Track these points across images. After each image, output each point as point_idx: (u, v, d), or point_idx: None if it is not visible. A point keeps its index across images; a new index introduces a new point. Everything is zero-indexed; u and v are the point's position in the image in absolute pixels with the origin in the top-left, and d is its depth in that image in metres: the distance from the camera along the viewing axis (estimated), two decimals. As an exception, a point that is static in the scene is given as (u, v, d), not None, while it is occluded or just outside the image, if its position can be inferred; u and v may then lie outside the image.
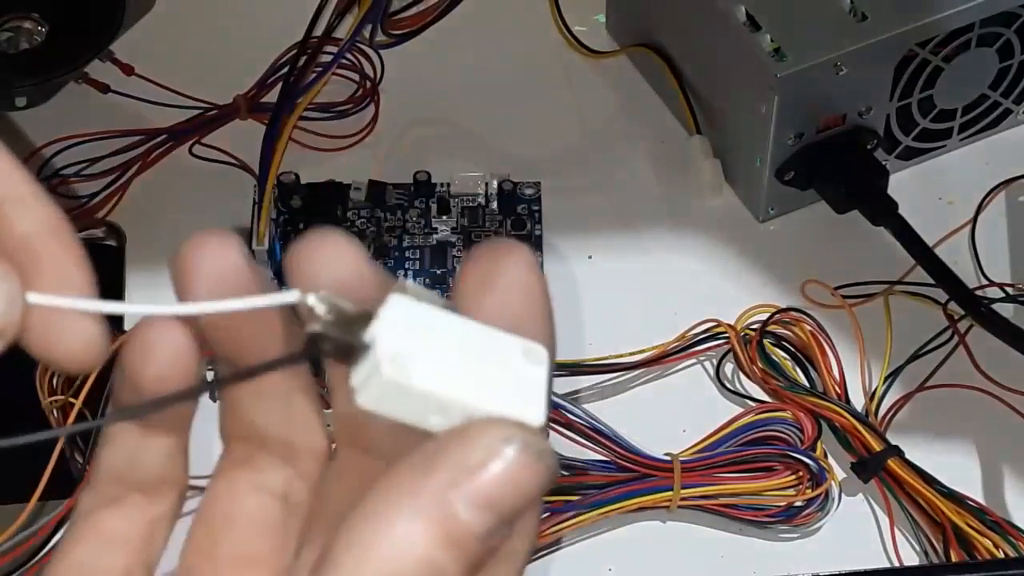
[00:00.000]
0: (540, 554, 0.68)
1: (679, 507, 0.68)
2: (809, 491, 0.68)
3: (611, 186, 0.82)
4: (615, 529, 0.69)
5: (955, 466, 0.71)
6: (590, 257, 0.79)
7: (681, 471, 0.68)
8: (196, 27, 0.89)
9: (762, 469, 0.68)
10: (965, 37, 0.78)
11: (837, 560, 0.67)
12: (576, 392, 0.73)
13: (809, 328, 0.73)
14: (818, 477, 0.68)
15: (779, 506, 0.68)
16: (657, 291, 0.77)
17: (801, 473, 0.68)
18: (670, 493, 0.67)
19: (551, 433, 0.70)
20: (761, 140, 0.77)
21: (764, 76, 0.75)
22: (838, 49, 0.75)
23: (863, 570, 0.65)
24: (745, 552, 0.69)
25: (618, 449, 0.68)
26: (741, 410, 0.71)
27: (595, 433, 0.68)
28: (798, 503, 0.68)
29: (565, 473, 0.69)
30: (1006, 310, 0.75)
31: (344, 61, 0.82)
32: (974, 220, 0.79)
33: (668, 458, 0.68)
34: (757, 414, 0.70)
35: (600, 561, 0.68)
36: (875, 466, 0.69)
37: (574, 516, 0.67)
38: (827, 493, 0.68)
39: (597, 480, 0.68)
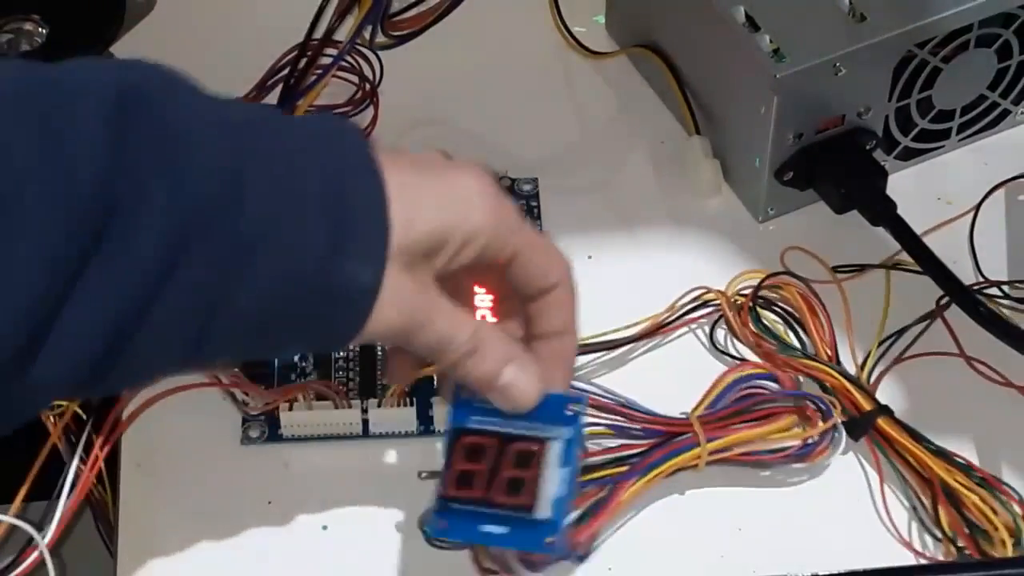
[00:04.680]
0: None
1: (706, 463, 0.69)
2: (821, 423, 0.69)
3: (611, 186, 0.82)
4: (614, 529, 0.69)
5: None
6: (589, 257, 0.79)
7: (702, 425, 0.69)
8: (196, 29, 0.89)
9: (763, 417, 0.70)
10: (964, 38, 0.78)
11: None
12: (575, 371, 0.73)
13: (799, 292, 0.74)
14: (825, 413, 0.69)
15: (795, 445, 0.69)
16: (656, 291, 0.77)
17: (809, 412, 0.70)
18: (698, 450, 0.68)
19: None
20: (760, 140, 0.77)
21: (764, 76, 0.75)
22: (837, 50, 0.75)
23: (863, 570, 0.65)
24: (744, 550, 0.69)
25: (644, 416, 0.69)
26: (725, 368, 0.72)
27: (622, 407, 0.69)
28: (813, 438, 0.69)
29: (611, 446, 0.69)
30: (1005, 309, 0.75)
31: (343, 63, 0.82)
32: (973, 220, 0.80)
33: (685, 416, 0.69)
34: (741, 371, 0.71)
35: (600, 561, 0.69)
36: (865, 425, 0.70)
37: (634, 482, 0.67)
38: (836, 426, 0.69)
39: (635, 449, 0.69)
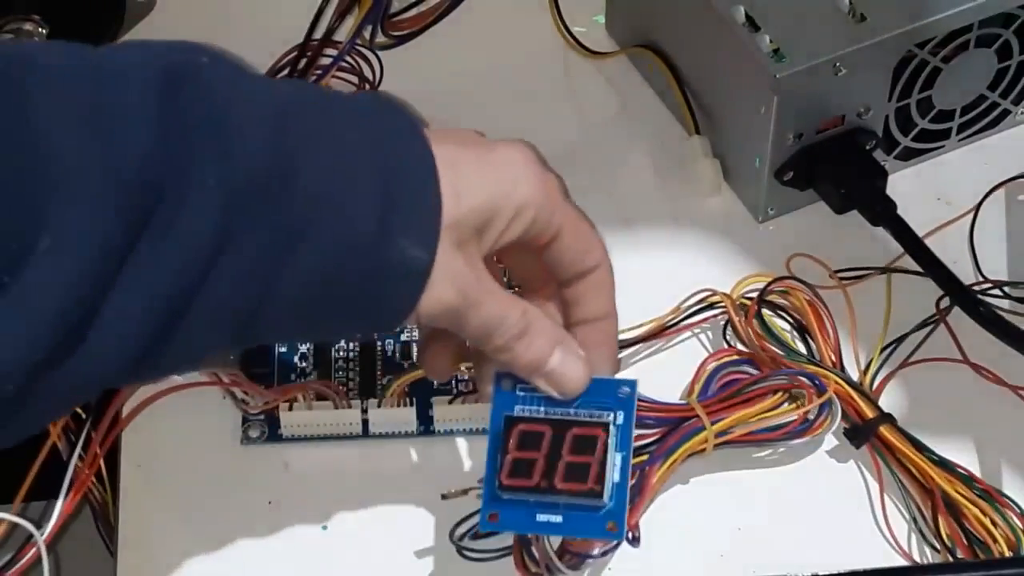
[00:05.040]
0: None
1: (714, 447, 0.69)
2: (816, 398, 0.70)
3: (611, 186, 0.82)
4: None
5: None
6: (590, 257, 0.79)
7: (704, 409, 0.69)
8: (196, 29, 0.89)
9: (755, 397, 0.70)
10: (964, 38, 0.78)
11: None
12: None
13: (806, 297, 0.74)
14: (819, 387, 0.70)
15: (795, 420, 0.70)
16: (656, 290, 0.77)
17: (802, 387, 0.70)
18: (705, 432, 0.69)
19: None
20: (760, 140, 0.77)
21: (764, 77, 0.75)
22: (837, 50, 0.75)
23: (863, 570, 0.65)
24: (744, 550, 0.69)
25: (649, 404, 0.69)
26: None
27: None
28: (812, 413, 0.70)
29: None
30: (1004, 309, 0.75)
31: (344, 64, 0.82)
32: (973, 220, 0.80)
33: (687, 403, 0.70)
34: (718, 359, 0.72)
35: (600, 561, 0.69)
36: (868, 433, 0.70)
37: (659, 467, 0.68)
38: (830, 400, 0.70)
39: (646, 439, 0.69)
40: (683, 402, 0.71)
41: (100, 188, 0.46)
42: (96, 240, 0.46)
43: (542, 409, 0.59)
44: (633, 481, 0.67)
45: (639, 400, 0.69)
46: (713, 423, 0.69)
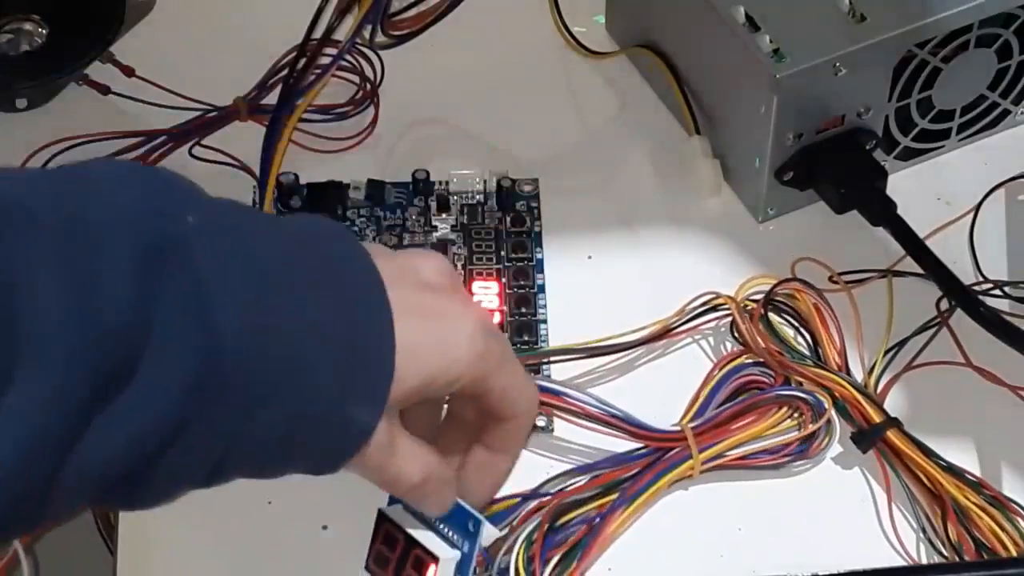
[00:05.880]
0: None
1: (701, 472, 0.69)
2: (812, 425, 0.70)
3: (611, 186, 0.82)
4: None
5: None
6: (589, 257, 0.79)
7: (694, 436, 0.69)
8: (196, 29, 0.89)
9: (754, 408, 0.70)
10: (964, 38, 0.78)
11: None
12: (579, 377, 0.73)
13: (811, 300, 0.74)
14: (817, 408, 0.70)
15: (790, 446, 0.70)
16: (656, 291, 0.77)
17: (800, 407, 0.70)
18: (691, 461, 0.69)
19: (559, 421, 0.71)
20: (760, 140, 0.77)
21: (763, 77, 0.75)
22: (837, 50, 0.75)
23: (863, 570, 0.65)
24: (742, 550, 0.69)
25: (632, 428, 0.69)
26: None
27: (609, 417, 0.69)
28: (808, 436, 0.70)
29: (601, 472, 0.70)
30: (1004, 309, 0.75)
31: (344, 63, 0.82)
32: (973, 220, 0.80)
33: (679, 427, 0.70)
34: (726, 364, 0.72)
35: (600, 561, 0.69)
36: (874, 437, 0.70)
37: (621, 512, 0.68)
38: (830, 420, 0.70)
39: (626, 472, 0.69)
40: (675, 428, 0.70)
41: (68, 359, 0.45)
42: (55, 409, 0.46)
43: (412, 515, 0.61)
44: (586, 535, 0.67)
45: (627, 424, 0.69)
46: (705, 448, 0.69)
